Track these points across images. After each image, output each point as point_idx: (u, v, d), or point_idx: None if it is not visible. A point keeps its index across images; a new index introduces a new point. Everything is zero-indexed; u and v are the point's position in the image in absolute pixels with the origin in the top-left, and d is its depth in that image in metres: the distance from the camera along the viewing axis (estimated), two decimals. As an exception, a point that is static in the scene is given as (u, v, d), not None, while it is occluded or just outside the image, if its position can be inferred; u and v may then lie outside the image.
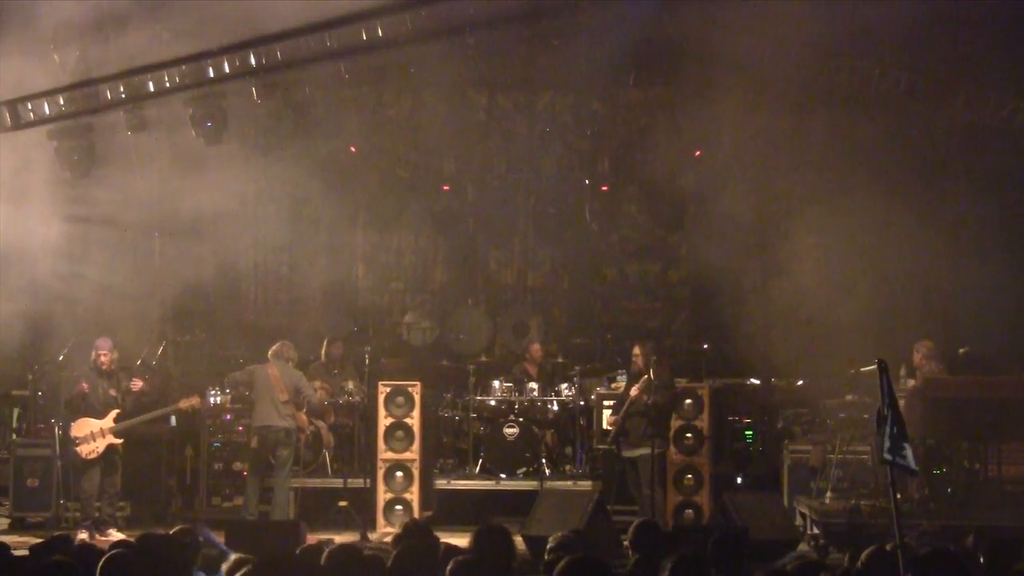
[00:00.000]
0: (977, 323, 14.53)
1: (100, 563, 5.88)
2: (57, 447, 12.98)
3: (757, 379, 15.10)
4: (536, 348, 15.28)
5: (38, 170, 14.27)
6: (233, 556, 6.61)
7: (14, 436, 14.45)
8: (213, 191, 15.02)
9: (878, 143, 15.11)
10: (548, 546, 7.33)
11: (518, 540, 10.84)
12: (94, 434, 12.66)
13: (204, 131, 14.52)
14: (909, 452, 7.34)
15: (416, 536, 7.04)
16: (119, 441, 12.78)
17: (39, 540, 7.36)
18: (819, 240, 15.62)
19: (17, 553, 6.99)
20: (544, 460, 14.00)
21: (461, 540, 7.68)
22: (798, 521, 12.66)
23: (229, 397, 13.87)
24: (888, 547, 6.81)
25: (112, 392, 12.87)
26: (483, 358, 15.50)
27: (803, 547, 11.69)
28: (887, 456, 7.29)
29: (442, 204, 16.90)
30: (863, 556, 6.77)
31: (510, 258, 17.03)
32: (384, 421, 13.14)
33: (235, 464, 13.63)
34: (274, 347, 13.20)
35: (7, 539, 11.83)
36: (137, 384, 13.07)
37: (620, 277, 16.86)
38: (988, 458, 12.60)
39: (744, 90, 14.77)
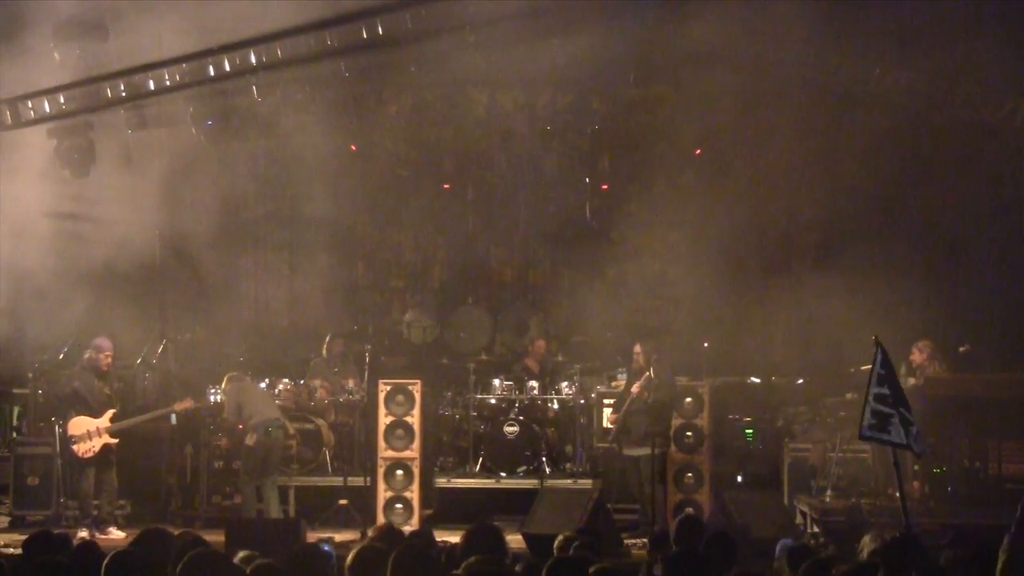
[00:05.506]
0: (977, 321, 14.52)
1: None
2: (57, 445, 12.99)
3: (757, 377, 15.10)
4: (541, 344, 15.33)
5: (38, 168, 14.25)
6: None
7: (14, 434, 14.45)
8: (212, 189, 14.98)
9: (877, 142, 15.09)
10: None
11: (518, 538, 10.88)
12: (90, 433, 12.65)
13: (205, 129, 14.52)
14: (897, 427, 7.30)
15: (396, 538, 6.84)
16: (115, 440, 12.78)
17: (30, 533, 7.27)
18: (817, 238, 15.62)
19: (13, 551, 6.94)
20: (544, 458, 14.00)
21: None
22: (798, 519, 12.67)
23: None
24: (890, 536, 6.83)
25: (107, 391, 12.88)
26: (483, 356, 15.52)
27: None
28: (866, 432, 7.31)
29: (442, 202, 16.89)
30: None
31: (510, 256, 17.02)
32: (384, 419, 13.14)
33: (235, 462, 13.61)
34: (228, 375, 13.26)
35: (7, 537, 11.96)
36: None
37: (620, 275, 16.84)
38: (988, 456, 12.60)
39: (744, 89, 14.76)
